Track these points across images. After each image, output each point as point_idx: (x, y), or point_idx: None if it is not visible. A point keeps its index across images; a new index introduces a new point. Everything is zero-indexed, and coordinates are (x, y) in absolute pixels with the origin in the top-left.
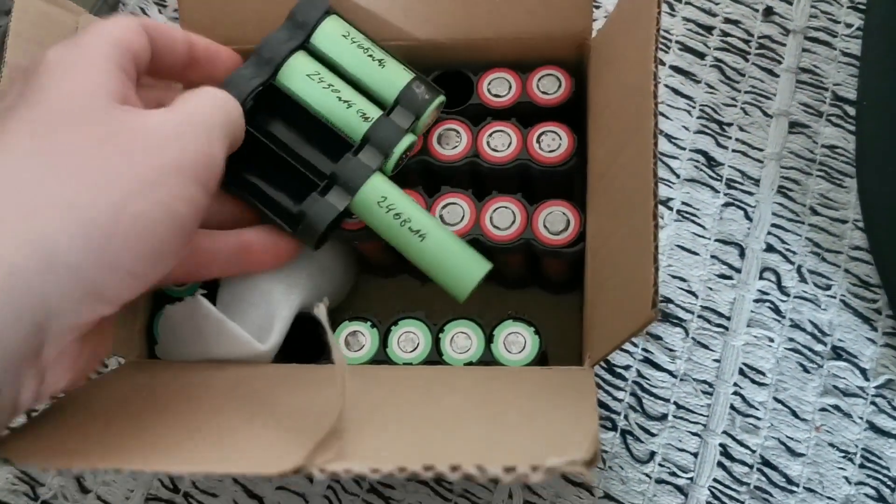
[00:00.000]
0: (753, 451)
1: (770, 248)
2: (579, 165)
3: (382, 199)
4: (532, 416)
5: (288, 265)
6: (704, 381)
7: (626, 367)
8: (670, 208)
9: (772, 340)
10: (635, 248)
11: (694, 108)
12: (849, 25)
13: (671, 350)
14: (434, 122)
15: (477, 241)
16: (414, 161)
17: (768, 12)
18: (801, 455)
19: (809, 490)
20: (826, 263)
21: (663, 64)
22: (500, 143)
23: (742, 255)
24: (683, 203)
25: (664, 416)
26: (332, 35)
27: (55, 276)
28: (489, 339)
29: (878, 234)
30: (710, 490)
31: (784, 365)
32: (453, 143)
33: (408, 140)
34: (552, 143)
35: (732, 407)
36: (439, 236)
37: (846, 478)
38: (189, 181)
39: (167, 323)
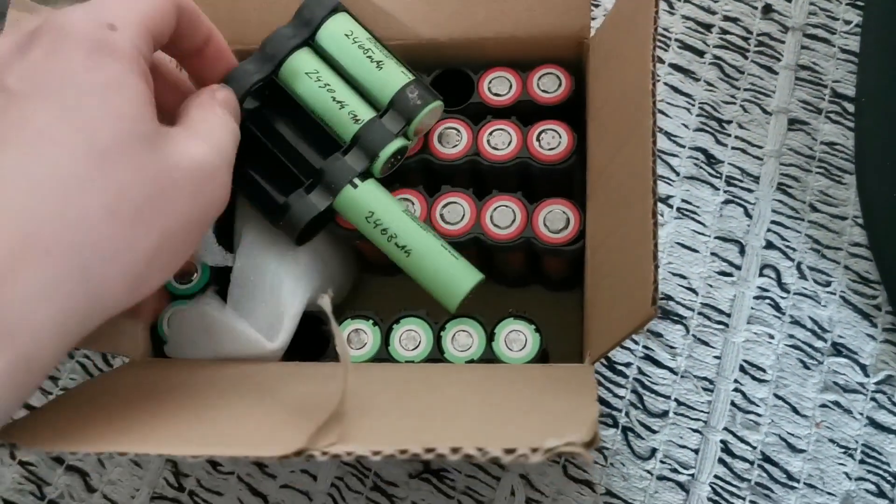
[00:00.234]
0: (754, 448)
1: (770, 245)
2: (579, 163)
3: (370, 213)
4: (532, 405)
5: (294, 262)
6: (705, 378)
7: (627, 365)
8: (670, 206)
9: (772, 337)
10: (635, 246)
11: (693, 105)
12: (847, 22)
13: (672, 347)
14: (435, 123)
15: (477, 239)
16: (414, 160)
17: (767, 10)
18: (802, 451)
19: (810, 486)
20: (826, 260)
21: (662, 62)
22: (501, 141)
23: (742, 252)
24: (683, 200)
25: (665, 413)
26: (334, 34)
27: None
28: (490, 337)
29: (878, 230)
30: (711, 486)
31: (784, 361)
32: (454, 141)
33: (396, 144)
34: (552, 141)
35: (733, 403)
36: (425, 251)
37: (846, 473)
38: (210, 222)
39: (177, 322)
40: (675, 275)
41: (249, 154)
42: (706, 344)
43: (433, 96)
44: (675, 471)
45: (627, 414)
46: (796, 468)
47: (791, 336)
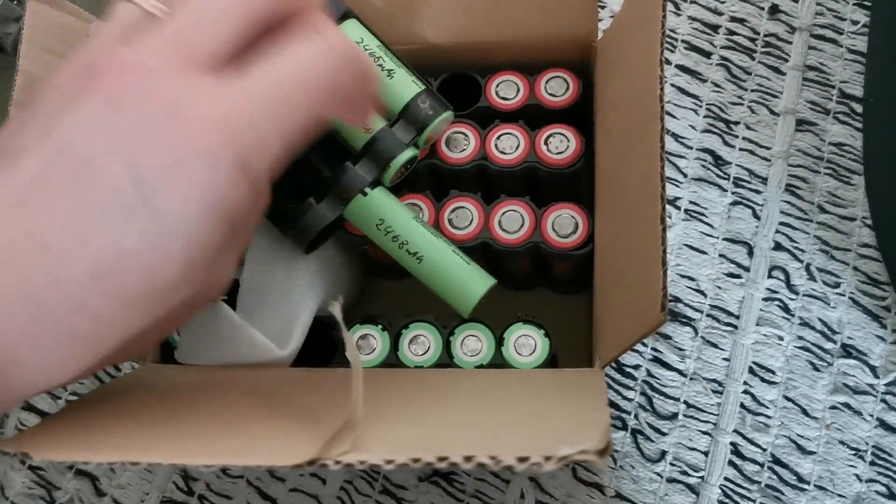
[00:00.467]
0: (764, 450)
1: (778, 247)
2: (587, 167)
3: (380, 221)
4: (543, 412)
5: (304, 268)
6: (714, 380)
7: (636, 367)
8: (678, 207)
9: (781, 339)
10: (643, 251)
11: (700, 107)
12: (855, 22)
13: (681, 349)
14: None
15: (486, 244)
16: (422, 165)
17: (774, 10)
18: (812, 453)
19: (820, 488)
20: (835, 261)
21: (669, 63)
22: (508, 145)
23: (750, 253)
24: (691, 202)
25: (674, 416)
26: None
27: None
28: (499, 342)
29: (887, 231)
30: (721, 489)
31: (794, 363)
32: (461, 146)
33: (408, 154)
34: (560, 144)
35: (743, 405)
36: (437, 257)
37: (857, 475)
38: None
39: (188, 328)
40: (683, 277)
41: None
42: (715, 346)
43: (444, 106)
44: (684, 473)
45: (637, 416)
46: (806, 470)
47: (800, 338)
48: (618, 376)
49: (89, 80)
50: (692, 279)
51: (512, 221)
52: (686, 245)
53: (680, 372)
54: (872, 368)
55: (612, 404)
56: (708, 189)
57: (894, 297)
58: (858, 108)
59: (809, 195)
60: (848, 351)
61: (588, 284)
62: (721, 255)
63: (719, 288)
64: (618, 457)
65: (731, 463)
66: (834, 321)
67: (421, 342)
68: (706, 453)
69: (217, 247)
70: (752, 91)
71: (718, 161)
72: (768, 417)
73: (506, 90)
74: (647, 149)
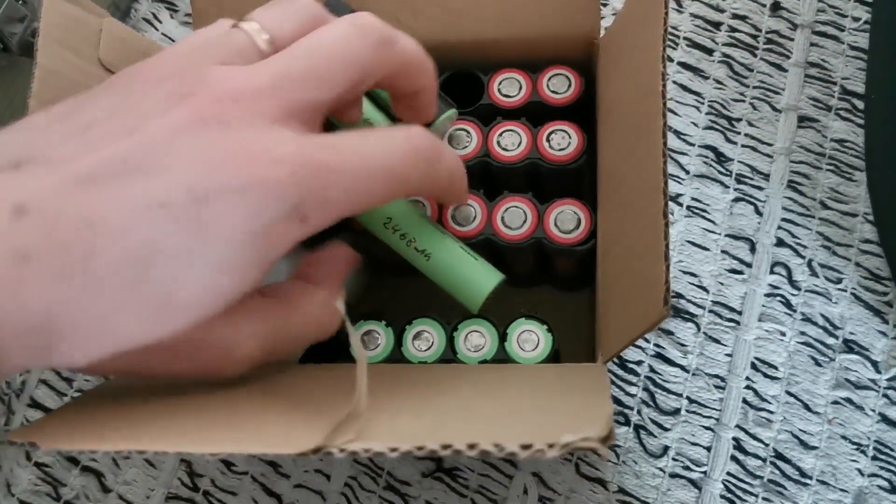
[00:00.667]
0: (766, 445)
1: (780, 243)
2: (589, 164)
3: (388, 219)
4: (546, 404)
5: None
6: (716, 376)
7: (639, 363)
8: (680, 204)
9: (783, 334)
10: (646, 247)
11: (703, 103)
12: (856, 19)
13: (683, 345)
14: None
15: (489, 240)
16: None
17: (775, 7)
18: (814, 448)
19: (822, 483)
20: (837, 257)
21: (671, 60)
22: (511, 142)
23: (752, 249)
24: (693, 199)
25: (677, 411)
26: None
27: None
28: (503, 338)
29: (888, 227)
30: (723, 484)
31: (796, 359)
32: (464, 143)
33: None
34: (562, 141)
35: (745, 401)
36: (445, 254)
37: (859, 470)
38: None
39: None
40: (685, 273)
41: None
42: (717, 342)
43: (448, 105)
44: (687, 468)
45: (639, 412)
46: (809, 465)
47: (803, 333)
48: (620, 372)
49: (183, 96)
50: (694, 275)
51: (514, 217)
52: (688, 241)
53: (682, 367)
54: (874, 363)
55: (615, 400)
56: (710, 185)
57: None
58: (860, 104)
59: (811, 191)
60: (850, 346)
61: (591, 281)
62: (723, 252)
63: (721, 284)
64: (620, 452)
65: (733, 458)
66: (836, 317)
67: (425, 338)
68: (709, 448)
69: (244, 284)
70: (754, 88)
71: (720, 157)
72: (770, 413)
73: (508, 88)
74: (650, 146)
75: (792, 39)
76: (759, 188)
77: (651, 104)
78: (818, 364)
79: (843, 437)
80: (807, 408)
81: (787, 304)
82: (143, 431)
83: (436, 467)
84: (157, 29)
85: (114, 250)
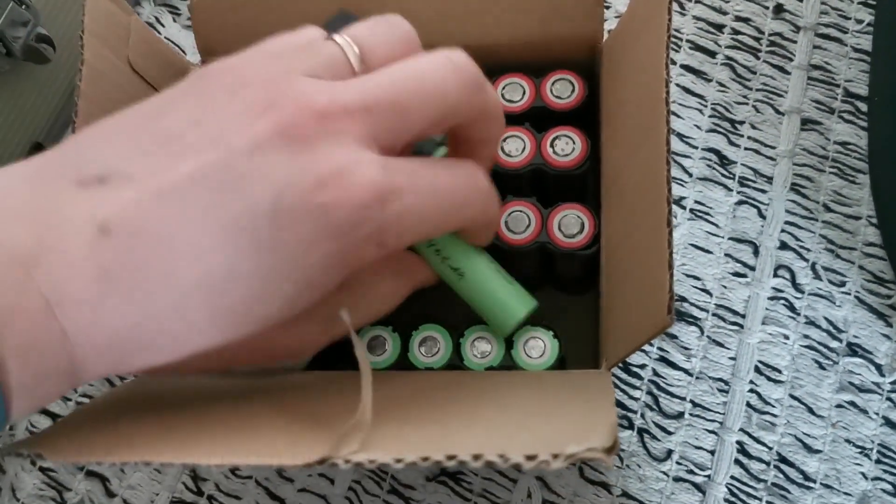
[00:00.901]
0: (770, 448)
1: (784, 246)
2: (593, 169)
3: None
4: (551, 412)
5: None
6: (720, 379)
7: (642, 367)
8: (683, 207)
9: (787, 338)
10: (650, 253)
11: (706, 106)
12: (859, 21)
13: (686, 349)
14: None
15: (492, 245)
16: None
17: (778, 9)
18: (818, 451)
19: (826, 486)
20: (840, 260)
21: (674, 63)
22: (514, 148)
23: (756, 252)
24: (696, 202)
25: (681, 415)
26: None
27: None
28: (509, 344)
29: (892, 229)
30: (727, 487)
31: (799, 362)
32: None
33: (441, 152)
34: (566, 147)
35: (748, 404)
36: (479, 275)
37: (863, 473)
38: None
39: None
40: (689, 276)
41: None
42: (721, 345)
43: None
44: (691, 472)
45: (643, 415)
46: (812, 468)
47: (806, 336)
48: (624, 375)
49: (267, 107)
50: (698, 279)
51: (518, 222)
52: (692, 245)
53: (686, 371)
54: (878, 367)
55: (619, 403)
56: (713, 188)
57: None
58: (863, 106)
59: (815, 194)
60: (853, 349)
61: (594, 285)
62: (727, 255)
63: (725, 287)
64: (624, 456)
65: (737, 462)
66: (839, 320)
67: (431, 344)
68: (712, 452)
69: (317, 297)
70: (757, 90)
71: (724, 160)
72: (774, 416)
73: (512, 92)
74: (654, 150)
75: (795, 42)
76: (763, 191)
77: (655, 108)
78: (822, 367)
79: (847, 441)
80: (810, 411)
81: (791, 308)
82: (149, 443)
83: (440, 471)
84: (159, 32)
85: (193, 271)
